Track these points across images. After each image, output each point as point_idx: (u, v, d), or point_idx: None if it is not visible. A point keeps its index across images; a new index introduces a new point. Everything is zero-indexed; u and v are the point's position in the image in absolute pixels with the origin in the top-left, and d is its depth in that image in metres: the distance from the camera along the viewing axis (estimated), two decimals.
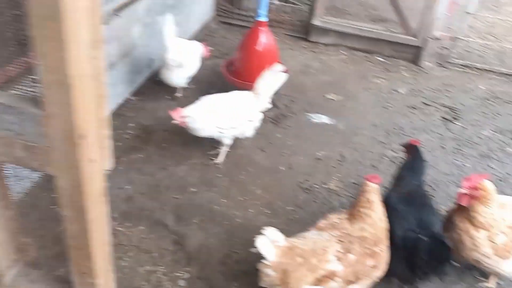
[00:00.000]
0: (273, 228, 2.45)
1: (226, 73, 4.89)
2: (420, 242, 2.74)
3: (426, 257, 2.74)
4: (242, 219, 3.64)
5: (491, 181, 3.01)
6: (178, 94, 4.98)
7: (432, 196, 4.05)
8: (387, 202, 2.93)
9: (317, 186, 4.08)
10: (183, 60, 4.58)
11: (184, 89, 5.05)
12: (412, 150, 3.42)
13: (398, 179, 3.30)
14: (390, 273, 2.81)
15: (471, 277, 3.36)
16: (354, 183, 4.18)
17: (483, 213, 2.88)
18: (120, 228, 3.44)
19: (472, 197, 2.90)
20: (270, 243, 2.33)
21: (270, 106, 4.12)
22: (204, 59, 5.14)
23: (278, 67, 3.93)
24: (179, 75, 4.69)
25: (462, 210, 2.99)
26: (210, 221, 3.58)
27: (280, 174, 4.18)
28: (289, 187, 4.03)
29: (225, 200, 3.79)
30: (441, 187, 4.23)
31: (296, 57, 6.27)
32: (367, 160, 4.49)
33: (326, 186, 4.10)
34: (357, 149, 4.64)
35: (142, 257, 3.25)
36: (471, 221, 2.92)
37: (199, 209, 3.68)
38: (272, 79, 3.93)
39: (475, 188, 2.87)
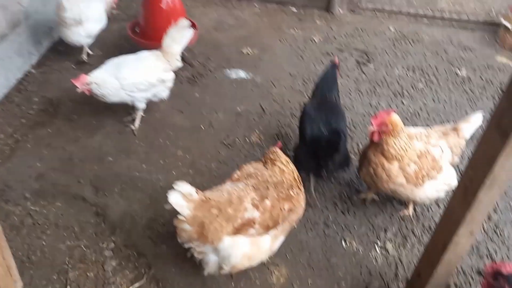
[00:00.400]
0: (184, 182, 2.38)
1: (133, 35, 4.65)
2: (322, 136, 3.27)
3: (325, 146, 3.20)
4: (165, 182, 3.55)
5: (398, 114, 3.12)
6: (84, 57, 4.68)
7: (350, 135, 4.18)
8: (304, 111, 3.52)
9: (239, 141, 4.06)
10: (81, 16, 4.30)
11: (90, 56, 4.77)
12: (330, 67, 3.79)
13: (314, 91, 3.77)
14: (301, 168, 3.23)
15: (390, 207, 3.53)
16: (275, 133, 4.20)
17: (393, 145, 2.99)
18: (34, 208, 3.25)
19: (382, 132, 2.99)
20: (183, 198, 2.27)
21: (181, 64, 3.97)
22: (110, 24, 4.87)
23: (184, 23, 3.76)
24: (79, 33, 4.40)
25: (375, 146, 3.09)
26: (131, 189, 3.46)
27: (201, 133, 4.10)
28: (211, 145, 3.98)
29: (145, 166, 3.67)
30: (359, 128, 4.36)
31: (209, 14, 6.08)
32: (287, 110, 4.52)
33: (248, 140, 4.09)
34: (276, 100, 4.64)
35: (62, 234, 3.11)
36: (384, 154, 3.03)
37: (118, 178, 3.54)
38: (178, 35, 3.77)
39: (384, 124, 2.96)
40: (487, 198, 1.86)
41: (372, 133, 3.02)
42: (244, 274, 2.89)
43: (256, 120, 4.34)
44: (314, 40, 5.75)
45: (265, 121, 4.34)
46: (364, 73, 5.20)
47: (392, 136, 3.00)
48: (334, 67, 3.83)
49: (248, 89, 4.76)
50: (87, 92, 3.57)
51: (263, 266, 2.95)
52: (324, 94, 3.66)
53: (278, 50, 5.51)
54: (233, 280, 2.87)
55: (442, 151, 3.12)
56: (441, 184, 3.13)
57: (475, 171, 1.89)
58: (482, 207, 1.90)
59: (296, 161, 3.30)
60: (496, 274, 2.13)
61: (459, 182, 2.06)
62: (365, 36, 5.95)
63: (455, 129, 3.22)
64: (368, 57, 5.52)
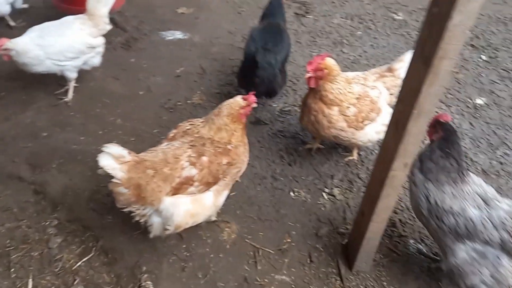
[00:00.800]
0: (114, 144, 2.29)
1: (58, 2, 4.36)
2: (251, 52, 3.56)
3: (251, 62, 3.52)
4: None
5: (339, 63, 3.10)
6: (11, 22, 4.38)
7: (293, 87, 4.17)
8: (250, 33, 3.84)
9: (181, 103, 3.95)
10: None
11: (13, 28, 4.46)
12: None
13: (261, 17, 4.07)
14: (239, 84, 3.86)
15: (336, 154, 3.57)
16: (217, 92, 4.12)
17: (331, 90, 2.99)
18: None
19: (318, 77, 2.97)
20: (114, 160, 2.18)
21: (109, 27, 3.76)
22: None
23: None
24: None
25: (314, 93, 3.08)
26: (70, 162, 3.32)
27: (140, 99, 3.97)
28: (152, 110, 3.86)
29: (83, 138, 3.52)
30: (301, 80, 4.34)
31: None
32: (228, 68, 4.43)
33: (190, 101, 3.99)
34: (216, 59, 4.54)
35: (0, 216, 2.95)
36: (323, 100, 3.03)
37: (55, 152, 3.38)
38: None
39: (319, 69, 2.94)
40: (416, 129, 1.88)
41: (309, 79, 3.00)
42: (195, 234, 2.87)
43: (196, 81, 4.24)
44: None
45: (206, 81, 4.24)
46: (303, 25, 5.16)
47: (328, 81, 2.99)
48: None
49: (186, 50, 4.62)
50: (5, 58, 3.34)
51: (213, 225, 2.94)
52: (269, 20, 3.94)
53: (215, 7, 5.36)
54: (184, 241, 2.84)
55: (380, 92, 3.15)
56: (380, 125, 3.17)
57: (403, 104, 1.90)
58: (412, 138, 1.93)
59: (237, 79, 3.88)
60: (435, 122, 2.46)
61: (391, 117, 2.08)
62: None
63: (391, 70, 3.25)
64: (306, 8, 5.46)
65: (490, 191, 2.38)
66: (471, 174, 2.44)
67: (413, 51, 1.85)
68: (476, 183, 2.38)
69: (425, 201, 2.39)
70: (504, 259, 2.25)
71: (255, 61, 3.49)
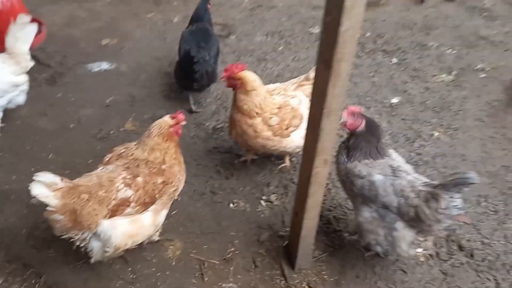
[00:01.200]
0: (46, 172, 2.31)
1: None
2: (186, 51, 4.00)
3: (189, 59, 3.91)
4: None
5: (264, 77, 3.29)
6: None
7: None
8: (181, 35, 4.35)
9: (113, 132, 3.99)
10: None
11: None
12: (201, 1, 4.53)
13: (190, 21, 4.54)
14: (179, 84, 4.26)
15: (270, 163, 3.75)
16: (150, 117, 4.18)
17: (245, 101, 3.16)
18: None
19: (232, 85, 3.17)
20: (47, 188, 2.21)
21: (32, 63, 3.75)
22: None
23: (23, 19, 3.54)
24: None
25: (235, 105, 3.24)
26: (4, 203, 3.26)
27: (71, 132, 3.96)
28: (84, 142, 3.86)
29: (15, 177, 3.47)
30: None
31: (59, 11, 5.79)
32: (158, 93, 4.52)
33: (123, 129, 4.04)
34: (145, 85, 4.62)
35: None
36: (241, 111, 3.19)
37: None
38: (21, 33, 3.54)
39: (233, 78, 3.12)
40: (329, 127, 2.09)
41: (226, 82, 3.22)
42: (139, 255, 2.91)
43: (127, 108, 4.29)
44: (174, 21, 5.78)
45: (137, 108, 4.31)
46: (227, 46, 5.37)
47: (243, 93, 3.16)
48: (205, 1, 4.51)
49: (114, 80, 4.67)
50: None
51: (157, 244, 3.00)
52: (197, 23, 4.42)
53: (139, 36, 5.45)
54: (129, 264, 2.88)
55: (300, 100, 3.38)
56: (305, 131, 3.37)
57: (315, 106, 2.11)
58: (327, 135, 2.13)
59: (175, 79, 4.25)
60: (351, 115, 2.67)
61: (308, 119, 2.28)
62: (222, 10, 6.11)
63: (308, 79, 3.49)
64: (229, 29, 5.68)
65: (405, 166, 2.68)
66: (392, 152, 2.75)
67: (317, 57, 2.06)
68: (393, 158, 2.68)
69: (344, 167, 2.71)
70: (399, 224, 2.55)
71: (191, 58, 3.88)
